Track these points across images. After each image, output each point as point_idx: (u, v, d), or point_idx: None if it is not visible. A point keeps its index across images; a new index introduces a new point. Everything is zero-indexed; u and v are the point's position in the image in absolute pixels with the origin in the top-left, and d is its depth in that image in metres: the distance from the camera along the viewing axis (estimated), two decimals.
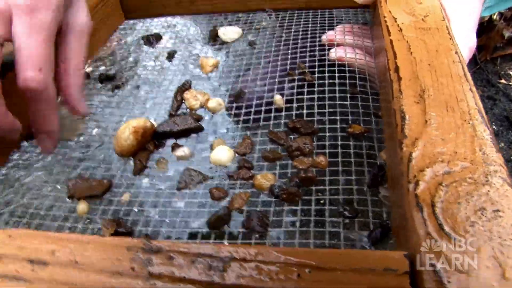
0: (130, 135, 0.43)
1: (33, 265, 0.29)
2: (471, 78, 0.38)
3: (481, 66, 0.88)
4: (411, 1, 0.47)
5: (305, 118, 0.45)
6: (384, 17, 0.45)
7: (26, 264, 0.29)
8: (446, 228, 0.26)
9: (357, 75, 0.48)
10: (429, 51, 0.40)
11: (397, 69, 0.38)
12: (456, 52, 0.40)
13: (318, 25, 0.57)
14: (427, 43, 0.41)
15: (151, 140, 0.45)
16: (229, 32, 0.58)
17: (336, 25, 0.56)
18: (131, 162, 0.44)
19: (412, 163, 0.30)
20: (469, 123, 0.33)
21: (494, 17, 0.90)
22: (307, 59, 0.51)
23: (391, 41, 0.41)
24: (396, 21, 0.44)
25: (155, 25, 0.64)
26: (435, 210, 0.27)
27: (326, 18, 0.58)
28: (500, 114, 0.85)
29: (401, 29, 0.43)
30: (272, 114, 0.46)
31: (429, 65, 0.38)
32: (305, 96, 0.47)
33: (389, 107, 0.39)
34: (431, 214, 0.27)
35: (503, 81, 0.92)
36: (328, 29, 0.55)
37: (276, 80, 0.50)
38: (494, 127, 0.84)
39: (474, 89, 0.36)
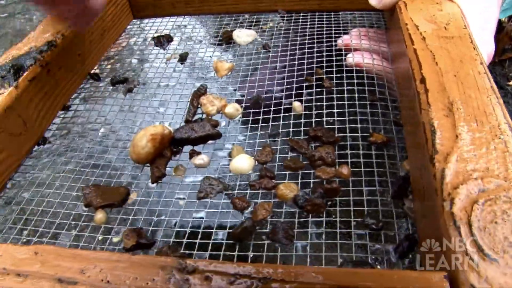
0: (147, 142, 0.42)
1: (62, 285, 0.28)
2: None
3: (489, 68, 0.88)
4: (431, 8, 0.47)
5: (325, 126, 0.44)
6: (406, 24, 0.45)
7: (55, 283, 0.28)
8: (486, 249, 0.26)
9: (375, 82, 0.47)
10: (454, 61, 0.39)
11: (423, 80, 0.38)
12: (481, 63, 0.39)
13: (333, 28, 0.56)
14: (450, 52, 0.41)
15: (168, 147, 0.45)
16: (243, 35, 0.57)
17: (351, 29, 0.56)
18: (148, 169, 0.44)
19: (445, 180, 0.30)
20: (500, 138, 0.32)
21: (503, 19, 0.89)
22: (324, 64, 0.51)
23: (415, 50, 0.41)
24: (418, 29, 0.44)
25: (164, 25, 0.63)
26: (472, 230, 0.27)
27: (340, 21, 0.58)
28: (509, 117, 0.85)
29: (424, 38, 0.42)
30: (291, 121, 0.46)
31: (455, 76, 0.38)
32: (324, 103, 0.46)
33: (413, 117, 0.38)
34: (468, 234, 0.27)
35: (511, 83, 0.92)
36: (343, 33, 0.55)
37: (294, 85, 0.49)
38: None
39: (501, 101, 0.36)
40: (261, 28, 0.59)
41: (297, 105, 0.47)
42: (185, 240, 0.38)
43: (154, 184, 0.43)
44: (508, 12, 0.67)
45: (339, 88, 0.47)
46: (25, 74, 0.46)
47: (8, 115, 0.43)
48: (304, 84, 0.50)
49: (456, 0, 0.47)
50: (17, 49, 0.49)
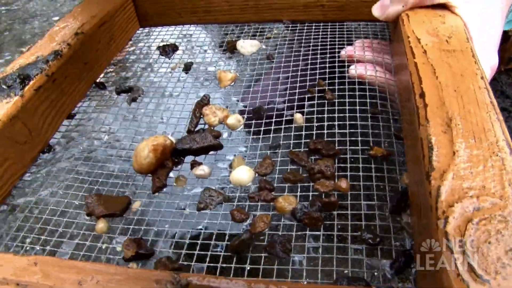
0: (149, 153, 0.43)
1: None
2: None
3: (495, 77, 0.87)
4: (434, 20, 0.47)
5: (325, 138, 0.45)
6: (408, 37, 0.45)
7: None
8: (478, 270, 0.26)
9: (377, 94, 0.47)
10: (454, 75, 0.39)
11: (422, 95, 0.38)
12: (482, 77, 0.39)
13: (337, 38, 0.56)
14: (451, 66, 0.41)
15: (170, 157, 0.45)
16: (247, 45, 0.58)
17: (355, 39, 0.56)
18: (150, 178, 0.44)
19: (441, 198, 0.30)
20: (497, 155, 0.32)
21: (509, 29, 0.89)
22: (327, 76, 0.51)
23: (415, 64, 0.41)
24: (420, 42, 0.44)
25: (170, 34, 0.64)
26: (465, 250, 0.27)
27: (345, 31, 0.58)
28: None
29: (425, 51, 0.42)
30: (292, 133, 0.46)
31: (455, 91, 0.38)
32: (326, 115, 0.46)
33: (413, 131, 0.38)
34: (461, 254, 0.27)
35: None
36: (347, 44, 0.55)
37: (296, 97, 0.49)
38: None
39: (501, 117, 0.36)
40: (266, 36, 0.60)
41: (299, 117, 0.47)
42: (183, 251, 0.38)
43: (156, 194, 0.43)
44: None
45: (341, 100, 0.47)
46: (31, 83, 0.46)
47: (13, 124, 0.44)
48: (306, 96, 0.50)
49: (459, 13, 0.47)
50: (24, 58, 0.50)
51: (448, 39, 0.44)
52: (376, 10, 0.50)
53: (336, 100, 0.48)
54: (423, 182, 0.33)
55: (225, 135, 0.48)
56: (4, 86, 0.46)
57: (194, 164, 0.45)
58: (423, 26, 0.46)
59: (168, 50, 0.60)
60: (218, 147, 0.46)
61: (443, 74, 0.39)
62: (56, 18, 1.62)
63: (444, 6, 0.48)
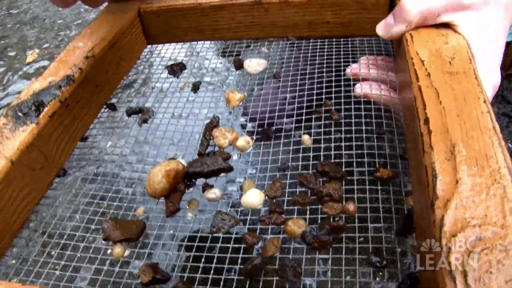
0: (163, 178, 0.44)
1: None
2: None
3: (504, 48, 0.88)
4: (437, 40, 0.48)
5: (333, 159, 0.46)
6: (412, 59, 0.46)
7: None
8: None
9: (383, 114, 0.48)
10: (457, 99, 0.40)
11: (427, 121, 0.39)
12: (485, 101, 0.40)
13: (342, 55, 0.57)
14: (454, 89, 0.42)
15: (182, 181, 0.46)
16: (254, 64, 0.59)
17: (360, 56, 0.57)
18: (163, 201, 0.46)
19: (444, 228, 0.31)
20: (499, 183, 0.34)
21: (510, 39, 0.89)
22: (333, 95, 0.52)
23: (419, 87, 0.42)
24: (424, 65, 0.45)
25: (178, 51, 0.65)
26: (467, 280, 0.28)
27: (349, 47, 0.59)
28: None
29: (429, 74, 0.43)
30: (301, 154, 0.47)
31: (458, 115, 0.39)
32: (333, 136, 0.48)
33: (417, 154, 0.39)
34: (463, 284, 0.28)
35: None
36: (352, 61, 0.56)
37: (303, 117, 0.50)
38: (510, 145, 0.84)
39: (503, 143, 0.37)
40: (267, 45, 0.61)
41: (306, 139, 0.48)
42: (198, 275, 0.40)
43: (169, 218, 0.45)
44: None
45: (347, 120, 0.49)
46: (45, 110, 0.48)
47: (30, 152, 0.46)
48: (313, 116, 0.51)
49: (462, 32, 0.48)
50: (37, 82, 0.52)
51: (451, 60, 0.45)
52: (380, 29, 0.51)
53: (343, 121, 0.49)
54: (427, 210, 0.34)
55: (235, 157, 0.49)
56: (20, 114, 0.48)
57: (205, 187, 0.46)
58: (427, 47, 0.47)
59: (176, 69, 0.61)
60: (229, 169, 0.47)
61: (447, 98, 0.40)
62: (60, 21, 1.64)
63: (447, 25, 0.49)
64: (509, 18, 0.50)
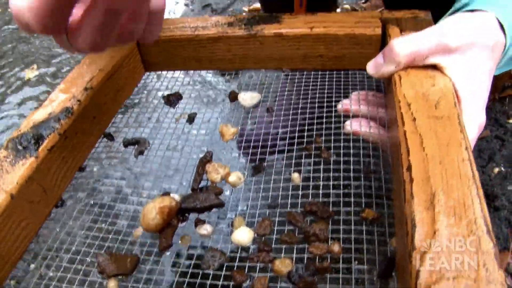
0: (157, 215, 0.46)
1: None
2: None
3: (490, 106, 0.89)
4: (425, 82, 0.49)
5: (321, 198, 0.47)
6: (399, 101, 0.47)
7: None
8: None
9: (371, 152, 0.50)
10: (440, 146, 0.42)
11: (409, 168, 0.40)
12: (466, 148, 0.42)
13: (334, 88, 0.59)
14: (438, 135, 0.43)
15: (175, 216, 0.48)
16: (248, 98, 0.60)
17: (352, 89, 0.58)
18: (157, 236, 0.47)
19: (419, 280, 0.33)
20: (474, 234, 0.35)
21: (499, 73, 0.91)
22: (323, 131, 0.54)
23: (405, 132, 0.44)
24: (410, 108, 0.46)
25: (174, 80, 0.67)
26: None
27: (342, 80, 0.60)
28: (509, 155, 0.86)
29: (414, 119, 0.45)
30: (290, 192, 0.49)
31: (440, 163, 0.40)
32: (321, 175, 0.49)
33: (399, 195, 0.41)
34: None
35: (511, 121, 0.94)
36: (344, 95, 0.58)
37: (294, 154, 0.52)
38: (502, 168, 0.86)
39: (481, 192, 0.38)
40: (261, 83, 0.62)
41: (296, 177, 0.50)
42: None
43: (162, 252, 0.46)
44: (503, 69, 0.69)
45: (336, 158, 0.50)
46: (44, 143, 0.50)
47: (29, 186, 0.47)
48: (304, 153, 0.53)
49: (449, 74, 0.49)
50: (37, 114, 0.53)
51: (437, 104, 0.47)
52: (370, 69, 0.53)
53: (332, 159, 0.50)
54: (405, 260, 0.35)
55: (227, 192, 0.51)
56: (19, 147, 0.49)
57: (198, 222, 0.48)
58: (414, 88, 0.49)
59: (172, 99, 0.63)
60: (220, 205, 0.49)
61: (430, 144, 0.42)
62: None
63: (435, 66, 0.50)
64: (494, 60, 0.52)
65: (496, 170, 0.85)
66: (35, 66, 1.47)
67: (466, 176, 0.39)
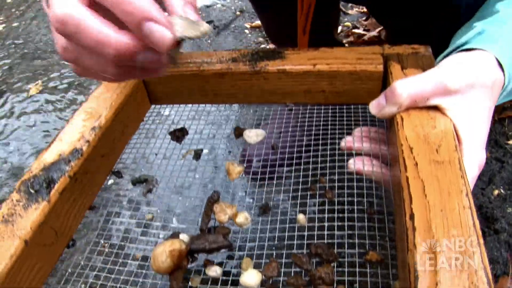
0: (167, 258, 0.47)
1: None
2: None
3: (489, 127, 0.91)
4: (426, 124, 0.50)
5: (326, 239, 0.49)
6: (401, 145, 0.48)
7: None
8: None
9: (374, 192, 0.51)
10: (442, 193, 0.43)
11: (412, 217, 0.41)
12: (467, 194, 0.43)
13: (337, 124, 0.60)
14: (440, 181, 0.44)
15: (185, 257, 0.49)
16: (253, 135, 0.62)
17: (354, 124, 0.59)
18: (167, 277, 0.49)
19: None
20: (476, 285, 0.36)
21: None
22: (327, 170, 0.55)
23: (407, 178, 0.45)
24: (412, 152, 0.47)
25: (180, 114, 0.68)
26: None
27: (345, 115, 0.62)
28: (508, 178, 0.88)
29: (416, 164, 0.46)
30: (296, 233, 0.50)
31: (441, 211, 0.42)
32: (326, 215, 0.51)
33: (402, 245, 0.42)
34: None
35: (511, 142, 0.95)
36: (347, 131, 0.59)
37: (299, 194, 0.53)
38: (502, 191, 0.87)
39: (481, 241, 0.39)
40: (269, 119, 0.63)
41: (301, 218, 0.52)
42: None
43: None
44: (503, 101, 0.70)
45: (340, 199, 0.51)
46: (56, 187, 0.51)
47: (42, 230, 0.48)
48: (309, 193, 0.54)
49: (449, 115, 0.50)
50: (48, 153, 0.54)
51: (438, 148, 0.48)
52: (372, 109, 0.54)
53: (336, 199, 0.52)
54: None
55: (234, 233, 0.52)
56: (31, 191, 0.51)
57: (207, 263, 0.49)
58: (415, 131, 0.50)
59: (178, 135, 0.64)
60: (229, 246, 0.50)
61: (432, 191, 0.43)
62: None
63: (436, 107, 0.52)
64: (493, 98, 0.53)
65: (496, 192, 0.86)
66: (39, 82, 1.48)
67: (466, 225, 0.40)
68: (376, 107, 0.54)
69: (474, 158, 0.50)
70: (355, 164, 0.54)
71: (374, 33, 1.55)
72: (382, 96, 0.54)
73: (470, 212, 0.42)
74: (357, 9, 1.74)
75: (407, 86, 0.51)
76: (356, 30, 1.61)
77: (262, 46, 1.57)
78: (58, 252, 0.51)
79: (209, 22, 1.76)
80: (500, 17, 0.55)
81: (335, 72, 0.61)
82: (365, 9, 1.67)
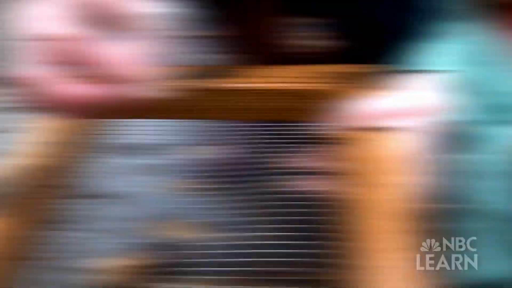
0: None
1: None
2: None
3: None
4: (375, 145, 0.50)
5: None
6: (348, 165, 0.48)
7: None
8: None
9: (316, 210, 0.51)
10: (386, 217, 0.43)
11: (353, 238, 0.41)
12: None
13: (284, 142, 0.59)
14: (384, 205, 0.44)
15: None
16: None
17: (301, 143, 0.59)
18: None
19: None
20: None
21: None
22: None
23: (351, 201, 0.44)
24: (359, 172, 0.47)
25: None
26: None
27: (291, 133, 0.61)
28: None
29: (362, 186, 0.46)
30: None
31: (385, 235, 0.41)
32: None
33: None
34: None
35: None
36: (294, 149, 0.58)
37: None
38: None
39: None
40: None
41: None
42: None
43: None
44: None
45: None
46: None
47: None
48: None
49: (400, 136, 0.51)
50: None
51: (385, 170, 0.48)
52: (321, 127, 0.53)
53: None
54: None
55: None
56: None
57: None
58: (363, 152, 0.49)
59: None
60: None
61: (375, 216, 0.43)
62: None
63: (386, 128, 0.52)
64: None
65: None
66: None
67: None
68: (322, 126, 0.54)
69: None
70: (299, 183, 0.53)
71: (325, 47, 1.56)
72: (332, 115, 0.53)
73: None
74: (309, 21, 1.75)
75: (356, 106, 0.51)
76: (307, 43, 1.61)
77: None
78: None
79: None
80: None
81: (284, 90, 0.61)
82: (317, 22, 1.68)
